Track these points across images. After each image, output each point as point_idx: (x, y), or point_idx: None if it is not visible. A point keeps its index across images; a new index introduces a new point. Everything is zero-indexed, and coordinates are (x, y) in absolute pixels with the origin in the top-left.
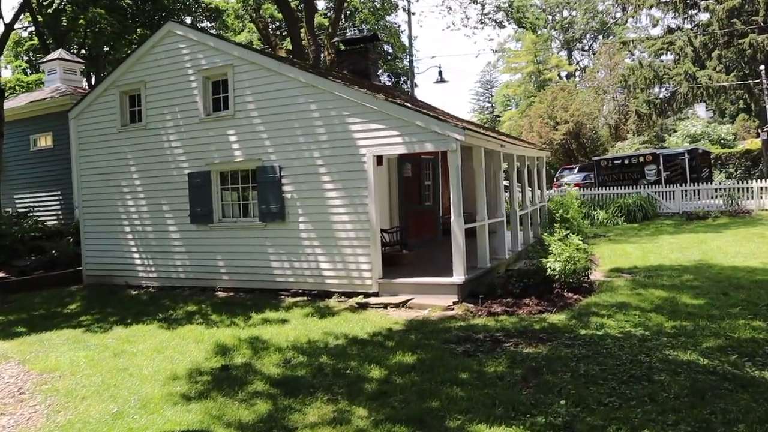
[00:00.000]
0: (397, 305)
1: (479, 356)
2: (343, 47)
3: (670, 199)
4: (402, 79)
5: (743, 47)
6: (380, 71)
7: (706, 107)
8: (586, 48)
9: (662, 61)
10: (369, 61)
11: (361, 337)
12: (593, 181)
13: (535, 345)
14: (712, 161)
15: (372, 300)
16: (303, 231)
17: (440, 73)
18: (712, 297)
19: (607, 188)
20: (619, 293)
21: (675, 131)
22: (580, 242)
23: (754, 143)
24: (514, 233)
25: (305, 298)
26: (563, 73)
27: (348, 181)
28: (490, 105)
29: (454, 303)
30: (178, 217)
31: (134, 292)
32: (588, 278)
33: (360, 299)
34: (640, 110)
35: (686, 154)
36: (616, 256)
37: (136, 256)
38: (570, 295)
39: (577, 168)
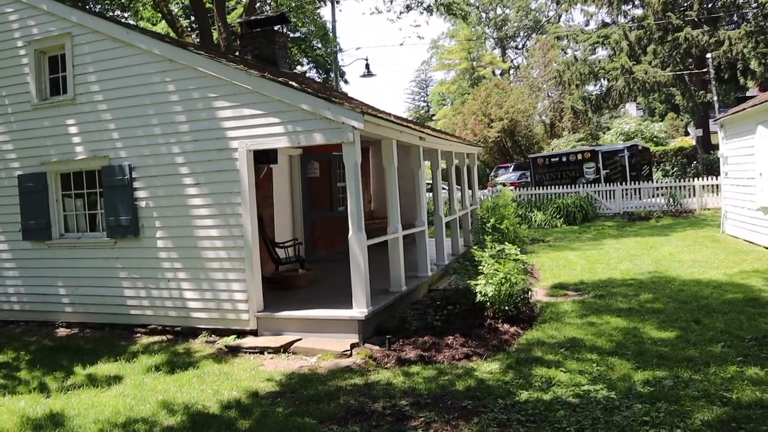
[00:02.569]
0: (277, 350)
1: None
2: (247, 30)
3: (610, 198)
4: (332, 76)
5: (679, 41)
6: (308, 67)
7: (637, 106)
8: (520, 46)
9: (597, 57)
10: (276, 45)
11: (210, 410)
12: (529, 180)
13: (454, 424)
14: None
15: (247, 342)
16: (162, 250)
17: (367, 66)
18: (682, 327)
19: (545, 188)
20: (567, 323)
21: (609, 129)
22: (518, 254)
23: (685, 141)
24: (440, 243)
25: (165, 337)
26: (497, 71)
27: (216, 184)
28: (425, 104)
29: (353, 346)
30: (8, 232)
31: None
32: (528, 302)
33: (232, 340)
34: (575, 107)
35: (626, 150)
36: (558, 268)
37: None
38: (506, 327)
39: (512, 166)
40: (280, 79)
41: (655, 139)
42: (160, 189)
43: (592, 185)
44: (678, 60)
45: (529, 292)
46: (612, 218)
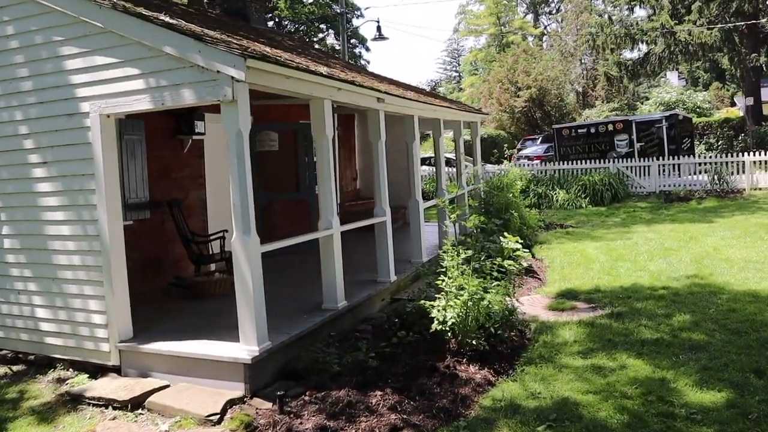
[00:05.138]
0: (124, 405)
1: None
2: None
3: (644, 175)
4: (352, 42)
5: None
6: (328, 33)
7: (679, 76)
8: (554, 12)
9: (635, 18)
10: None
11: None
12: (554, 153)
13: None
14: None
15: (94, 388)
16: (9, 251)
17: (378, 28)
18: (736, 382)
19: (570, 162)
20: (563, 367)
21: (648, 99)
22: (518, 248)
23: (731, 112)
24: (416, 236)
25: (10, 369)
26: (530, 38)
27: (65, 163)
28: (457, 74)
29: (229, 405)
30: None
31: None
32: (514, 326)
33: (82, 382)
34: (609, 73)
35: (664, 120)
36: (571, 266)
37: None
38: (471, 371)
39: (540, 138)
40: (148, 13)
41: (698, 109)
42: (3, 170)
43: (624, 160)
44: (727, 20)
45: (512, 317)
46: (646, 198)
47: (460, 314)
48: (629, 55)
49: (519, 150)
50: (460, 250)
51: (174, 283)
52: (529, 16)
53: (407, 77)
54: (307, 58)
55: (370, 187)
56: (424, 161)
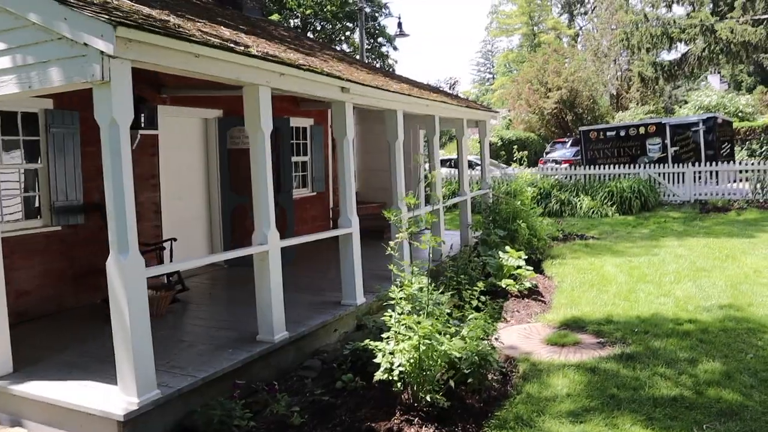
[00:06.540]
0: None
1: None
2: None
3: (678, 182)
4: (379, 41)
5: None
6: (353, 31)
7: (721, 79)
8: (590, 12)
9: (672, 16)
10: None
11: None
12: (580, 158)
13: None
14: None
15: None
16: None
17: (399, 24)
18: None
19: (597, 167)
20: None
21: (686, 102)
22: (520, 266)
23: None
24: (400, 248)
25: None
26: (564, 39)
27: None
28: (491, 76)
29: None
30: None
31: None
32: (484, 379)
33: None
34: (644, 74)
35: (701, 123)
36: (583, 287)
37: None
38: None
39: (570, 142)
40: None
41: (740, 113)
42: None
43: (656, 165)
44: None
45: (491, 358)
46: (679, 208)
47: (411, 361)
48: (667, 57)
49: (547, 153)
50: (412, 278)
51: (105, 299)
52: (564, 17)
53: (437, 79)
54: (288, 47)
55: (371, 191)
56: (444, 163)
